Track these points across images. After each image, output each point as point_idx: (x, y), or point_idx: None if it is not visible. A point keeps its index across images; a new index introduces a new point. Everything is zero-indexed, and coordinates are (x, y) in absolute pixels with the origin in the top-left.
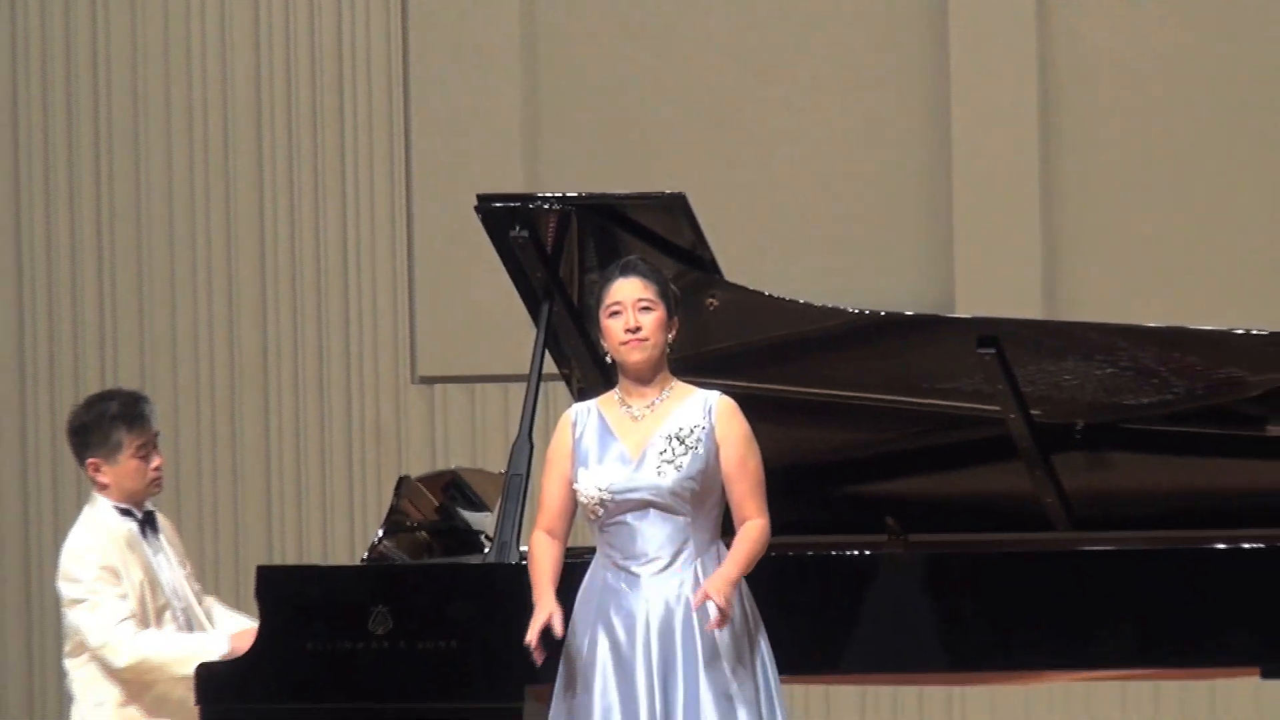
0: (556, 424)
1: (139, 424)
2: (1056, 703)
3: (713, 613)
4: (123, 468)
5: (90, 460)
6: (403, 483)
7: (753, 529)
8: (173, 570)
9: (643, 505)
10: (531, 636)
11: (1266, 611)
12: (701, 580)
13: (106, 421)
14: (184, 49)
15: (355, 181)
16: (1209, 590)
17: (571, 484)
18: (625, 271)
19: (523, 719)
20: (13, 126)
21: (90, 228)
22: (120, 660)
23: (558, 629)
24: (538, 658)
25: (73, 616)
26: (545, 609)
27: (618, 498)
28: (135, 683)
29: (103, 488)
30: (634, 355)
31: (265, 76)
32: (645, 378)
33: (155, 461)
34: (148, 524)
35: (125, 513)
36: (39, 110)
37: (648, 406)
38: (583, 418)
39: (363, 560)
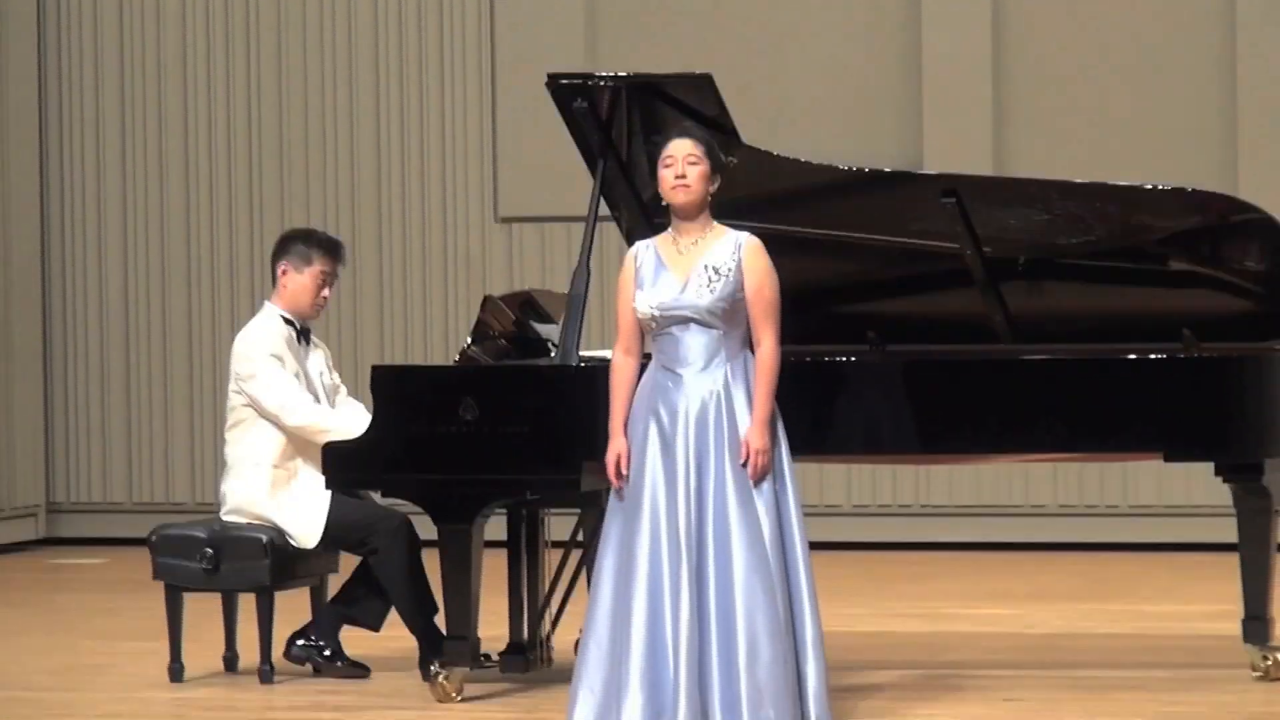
0: (623, 260)
1: (331, 255)
2: (1001, 480)
3: (755, 461)
4: (302, 281)
5: (282, 264)
6: (487, 300)
7: (764, 361)
8: (316, 373)
9: (685, 320)
10: (611, 475)
11: (1168, 407)
12: (730, 381)
13: (311, 240)
14: None
15: (451, 67)
16: (1122, 390)
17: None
18: (680, 134)
19: (580, 486)
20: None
21: (243, 111)
22: (294, 420)
23: (624, 468)
24: (618, 486)
25: (248, 388)
26: (615, 450)
27: (666, 313)
28: (293, 442)
29: (281, 289)
30: (679, 198)
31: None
32: (689, 216)
33: (326, 292)
34: (303, 334)
35: (287, 321)
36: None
37: (692, 243)
38: (642, 252)
39: (454, 361)
